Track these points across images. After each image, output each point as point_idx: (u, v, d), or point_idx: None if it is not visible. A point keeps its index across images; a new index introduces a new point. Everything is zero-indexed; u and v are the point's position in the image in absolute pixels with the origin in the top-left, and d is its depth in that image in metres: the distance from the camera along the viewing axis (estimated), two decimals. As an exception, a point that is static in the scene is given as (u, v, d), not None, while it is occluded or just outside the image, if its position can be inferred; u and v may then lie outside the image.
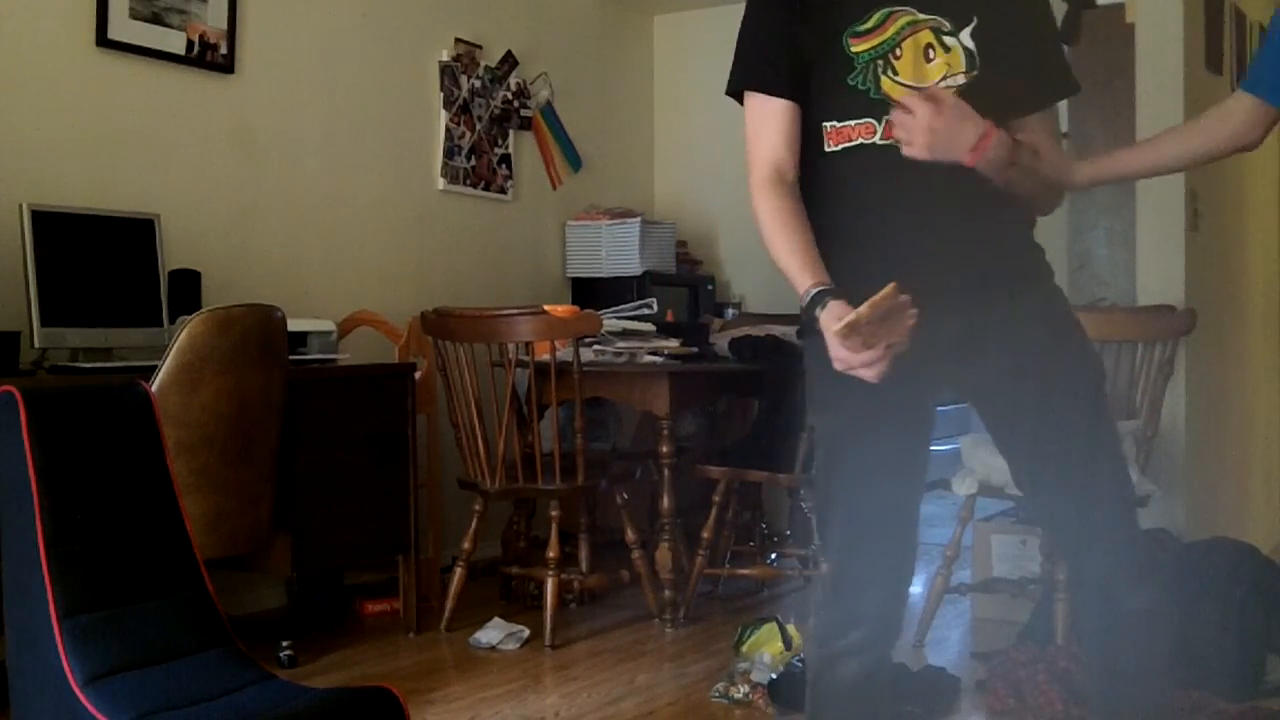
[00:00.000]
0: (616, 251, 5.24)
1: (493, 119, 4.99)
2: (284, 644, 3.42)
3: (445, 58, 4.78)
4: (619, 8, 5.69)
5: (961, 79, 1.82)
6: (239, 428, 3.13)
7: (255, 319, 3.15)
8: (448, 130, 4.78)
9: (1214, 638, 3.11)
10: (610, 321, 4.16)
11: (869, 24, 1.83)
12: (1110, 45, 4.30)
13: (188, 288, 3.58)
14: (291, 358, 3.39)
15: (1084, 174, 2.11)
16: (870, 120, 1.82)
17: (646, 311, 4.44)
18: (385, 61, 4.56)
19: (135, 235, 3.46)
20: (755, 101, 1.88)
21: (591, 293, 5.20)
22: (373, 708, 2.17)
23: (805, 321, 1.78)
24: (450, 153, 4.80)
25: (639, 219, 5.24)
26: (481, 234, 4.98)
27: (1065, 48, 4.72)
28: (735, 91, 1.91)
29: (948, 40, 1.83)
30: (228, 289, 3.77)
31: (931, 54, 1.83)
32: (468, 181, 4.89)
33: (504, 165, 5.06)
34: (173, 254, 3.59)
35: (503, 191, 5.06)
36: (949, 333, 1.82)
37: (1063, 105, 4.59)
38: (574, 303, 5.12)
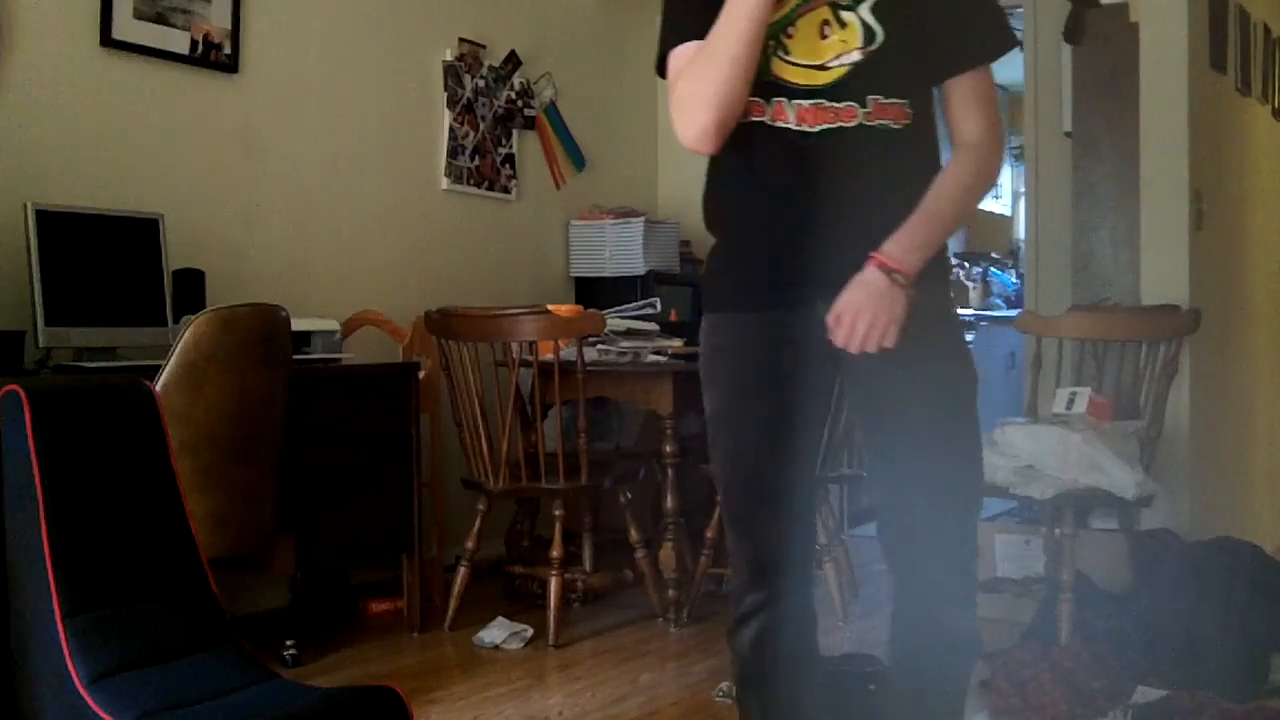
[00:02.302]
0: (620, 251, 5.24)
1: (496, 118, 4.99)
2: (288, 643, 3.43)
3: (449, 57, 4.78)
4: (623, 7, 5.68)
5: (856, 55, 1.78)
6: (243, 427, 3.13)
7: (259, 318, 3.16)
8: (451, 130, 4.78)
9: (1218, 637, 3.11)
10: (614, 321, 4.16)
11: None
12: (1114, 44, 4.29)
13: (192, 287, 3.58)
14: (295, 357, 3.40)
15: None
16: (759, 100, 1.80)
17: (650, 311, 4.44)
18: (389, 61, 4.56)
19: (139, 235, 3.46)
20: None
21: (595, 292, 5.19)
22: (376, 707, 2.17)
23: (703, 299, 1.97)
24: (454, 152, 4.80)
25: (643, 218, 5.24)
26: (485, 234, 4.98)
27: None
28: (662, 67, 1.90)
29: (845, 15, 1.78)
30: (232, 288, 3.78)
31: (828, 30, 1.79)
32: (471, 181, 4.89)
33: (508, 165, 5.06)
34: (177, 253, 3.60)
35: (506, 191, 5.06)
36: (821, 312, 1.81)
37: (1066, 105, 4.60)
38: (577, 302, 5.12)
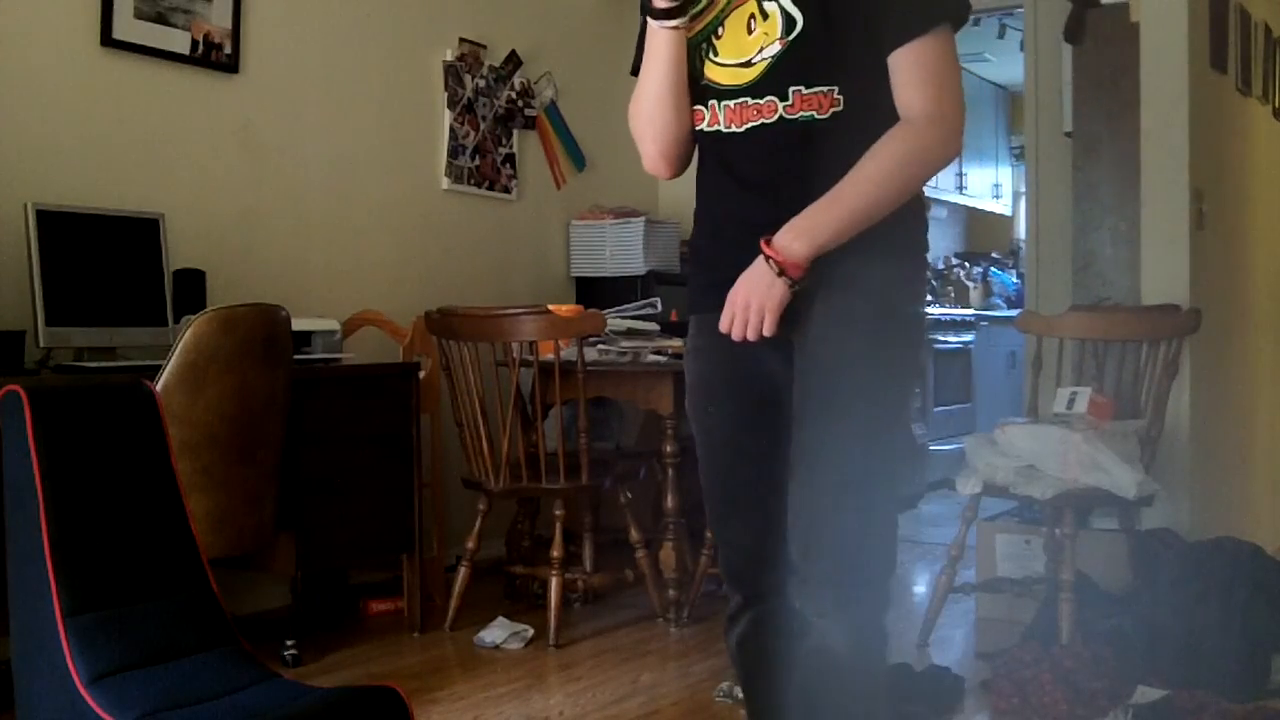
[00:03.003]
0: (621, 251, 5.24)
1: (497, 118, 4.99)
2: (288, 643, 3.43)
3: (449, 57, 4.78)
4: (623, 7, 5.68)
5: (777, 47, 1.73)
6: (243, 427, 3.13)
7: (260, 318, 3.16)
8: (452, 130, 4.78)
9: (1218, 637, 3.11)
10: (614, 321, 4.16)
11: (700, 5, 1.79)
12: (1114, 44, 4.29)
13: (192, 287, 3.58)
14: (296, 357, 3.40)
15: None
16: (700, 108, 1.82)
17: (650, 311, 4.44)
18: (389, 61, 4.56)
19: (140, 235, 3.46)
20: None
21: (595, 292, 5.20)
22: (377, 707, 2.17)
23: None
24: (454, 152, 4.80)
25: (643, 218, 5.24)
26: (485, 234, 4.98)
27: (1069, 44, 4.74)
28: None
29: (767, 7, 1.73)
30: (232, 288, 3.78)
31: (753, 25, 1.75)
32: (472, 181, 4.89)
33: (508, 165, 5.06)
34: (177, 253, 3.60)
35: (507, 191, 5.06)
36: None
37: (1066, 105, 4.60)
38: (578, 302, 5.12)
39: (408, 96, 4.64)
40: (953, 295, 8.14)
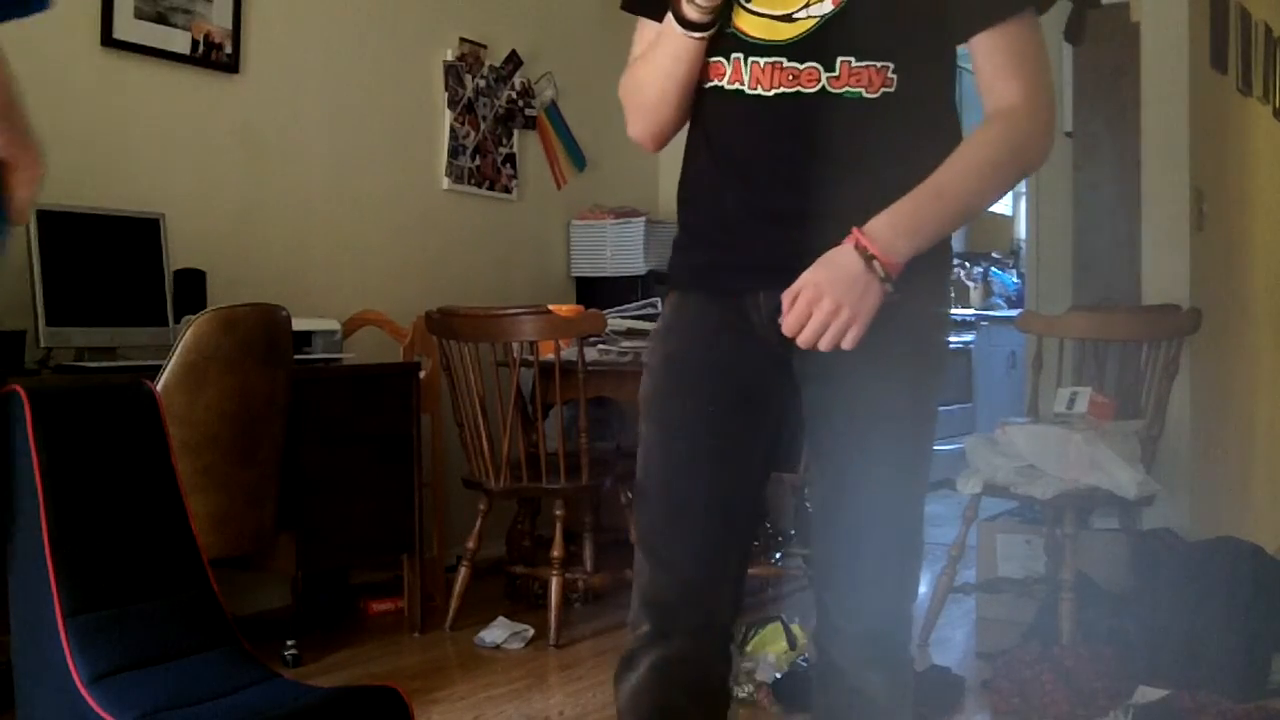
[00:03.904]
0: (621, 251, 5.24)
1: (497, 118, 4.99)
2: (288, 643, 3.43)
3: (450, 57, 4.78)
4: (623, 7, 5.68)
5: (828, 6, 1.48)
6: (243, 427, 3.13)
7: (260, 318, 3.16)
8: (452, 130, 4.78)
9: (1219, 637, 3.11)
10: (615, 321, 4.16)
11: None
12: (1115, 44, 4.29)
13: (193, 287, 3.58)
14: (296, 357, 3.39)
15: None
16: (719, 59, 1.55)
17: (651, 311, 4.44)
18: (390, 61, 4.56)
19: (140, 234, 3.46)
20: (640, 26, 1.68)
21: (596, 292, 5.19)
22: (377, 707, 2.17)
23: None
24: (455, 152, 4.80)
25: (644, 218, 5.24)
26: (486, 233, 4.98)
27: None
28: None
29: None
30: (232, 288, 3.78)
31: None
32: (472, 181, 4.89)
33: (508, 164, 5.06)
34: (178, 253, 3.60)
35: (507, 191, 5.06)
36: (765, 310, 1.57)
37: (1066, 105, 4.60)
38: (578, 302, 5.12)
39: (408, 96, 4.64)
40: (953, 295, 8.14)
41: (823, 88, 1.49)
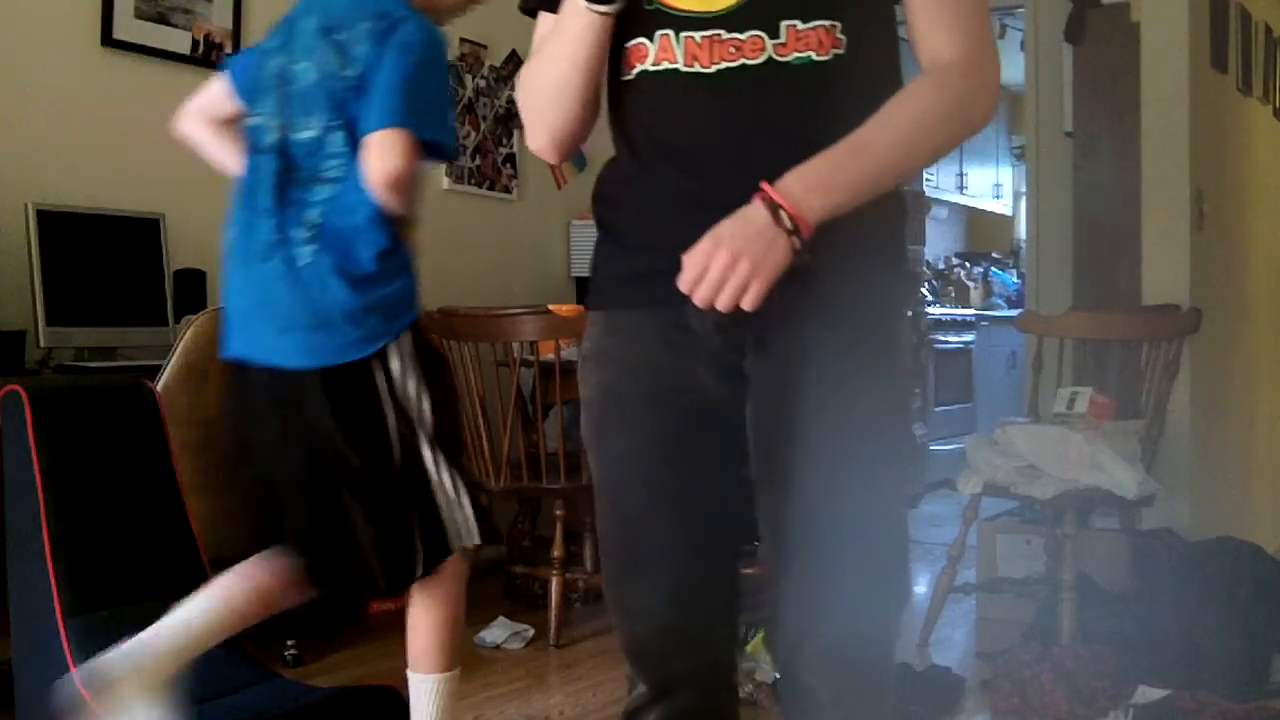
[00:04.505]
0: (621, 251, 5.24)
1: (497, 118, 4.99)
2: (288, 643, 3.43)
3: (449, 57, 4.78)
4: (623, 7, 5.68)
5: None
6: (244, 427, 3.13)
7: (260, 318, 3.15)
8: (452, 129, 4.78)
9: (1219, 637, 3.11)
10: (615, 321, 4.15)
11: None
12: (1115, 44, 4.29)
13: (193, 287, 3.58)
14: (296, 357, 3.39)
15: None
16: (641, 41, 1.40)
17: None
18: (390, 61, 4.56)
19: (140, 234, 3.46)
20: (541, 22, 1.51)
21: (596, 292, 5.19)
22: (377, 707, 2.17)
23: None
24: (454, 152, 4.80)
25: (643, 218, 5.24)
26: (486, 233, 4.98)
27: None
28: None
29: None
30: (233, 288, 3.77)
31: None
32: (472, 181, 4.89)
33: (509, 165, 5.06)
34: (178, 253, 3.59)
35: (507, 191, 5.06)
36: (709, 310, 1.36)
37: (1066, 105, 4.60)
38: (578, 302, 5.12)
39: (408, 96, 4.64)
40: (953, 295, 8.15)
41: (769, 57, 1.35)
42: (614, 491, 1.48)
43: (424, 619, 2.27)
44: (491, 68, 4.96)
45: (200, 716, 2.07)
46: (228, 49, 3.92)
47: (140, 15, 3.66)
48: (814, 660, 1.42)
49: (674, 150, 1.41)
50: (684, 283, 1.30)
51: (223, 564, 2.84)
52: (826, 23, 1.35)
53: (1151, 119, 3.91)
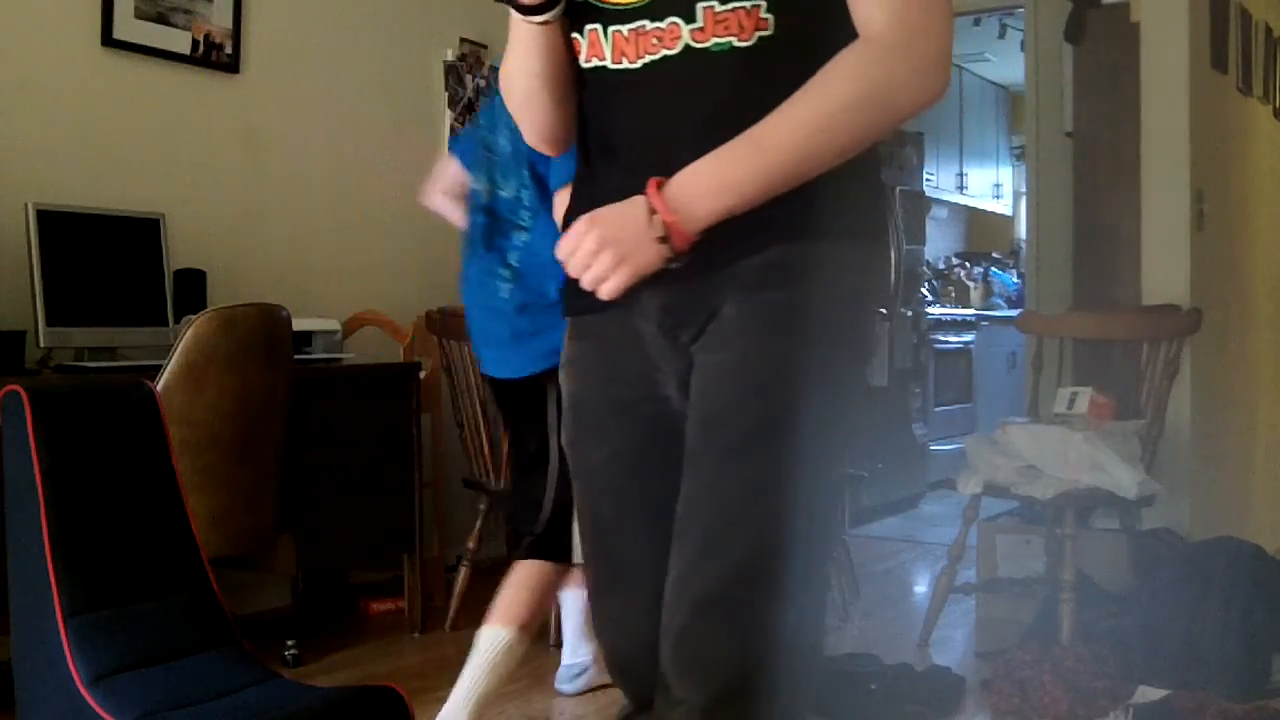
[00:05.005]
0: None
1: (497, 118, 4.99)
2: (289, 643, 3.43)
3: (450, 57, 4.78)
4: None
5: None
6: (244, 427, 3.13)
7: (260, 318, 3.16)
8: (452, 129, 4.78)
9: (1219, 637, 3.11)
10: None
11: None
12: (1115, 44, 4.29)
13: (193, 287, 3.58)
14: (296, 357, 3.40)
15: None
16: (576, 36, 1.34)
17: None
18: (390, 61, 4.56)
19: (140, 234, 3.46)
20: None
21: (596, 292, 5.19)
22: (377, 707, 2.17)
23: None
24: (455, 152, 4.80)
25: (643, 218, 5.24)
26: (486, 233, 4.97)
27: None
28: None
29: None
30: (233, 288, 3.78)
31: None
32: (472, 181, 4.89)
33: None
34: (178, 253, 3.60)
35: (507, 191, 5.06)
36: (651, 314, 1.33)
37: (1067, 105, 4.60)
38: (578, 302, 5.12)
39: (408, 96, 4.64)
40: (953, 295, 8.15)
41: (686, 45, 1.25)
42: (589, 504, 1.45)
43: (522, 576, 2.62)
44: (491, 68, 4.96)
45: (200, 716, 2.07)
46: (228, 49, 3.92)
47: (140, 15, 3.66)
48: (670, 653, 1.29)
49: (611, 149, 1.36)
50: (559, 251, 1.29)
51: (222, 564, 2.84)
52: (747, 3, 1.23)
53: (1151, 119, 3.91)
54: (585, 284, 1.26)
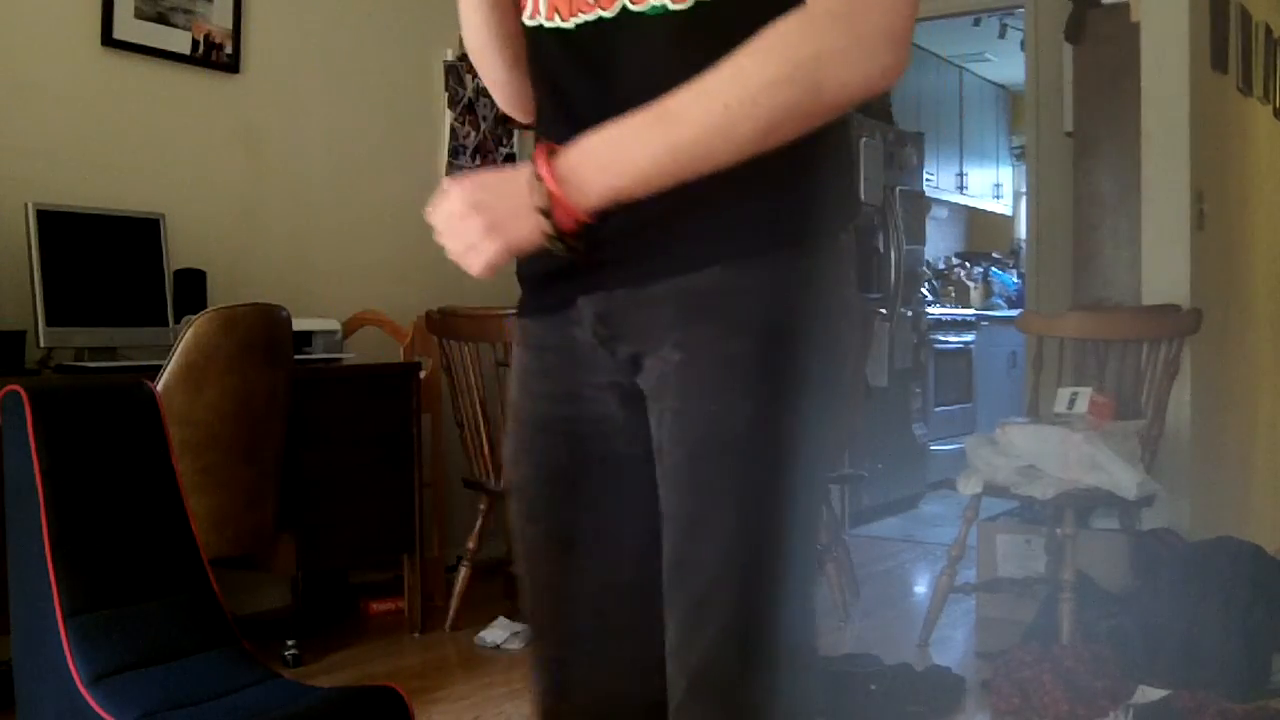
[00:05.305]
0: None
1: (497, 119, 4.99)
2: (289, 643, 3.43)
3: (450, 57, 4.78)
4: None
5: None
6: (244, 427, 3.13)
7: (260, 318, 3.16)
8: (452, 130, 4.78)
9: (1219, 637, 3.11)
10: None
11: None
12: (1115, 44, 4.29)
13: (193, 287, 3.58)
14: (296, 357, 3.40)
15: None
16: None
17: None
18: (390, 61, 4.56)
19: (140, 234, 3.46)
20: None
21: (596, 292, 5.19)
22: (377, 707, 2.17)
23: None
24: (455, 152, 4.80)
25: (643, 218, 5.24)
26: (486, 233, 4.97)
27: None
28: None
29: None
30: (233, 288, 3.78)
31: None
32: (472, 181, 4.89)
33: (509, 165, 5.06)
34: (178, 253, 3.60)
35: (507, 191, 5.06)
36: (586, 322, 1.21)
37: (1067, 105, 4.60)
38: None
39: (408, 96, 4.64)
40: (953, 295, 8.15)
41: (623, 6, 1.13)
42: (518, 530, 1.29)
43: None
44: (491, 68, 4.96)
45: (200, 716, 2.07)
46: (228, 49, 3.92)
47: (140, 15, 3.66)
48: None
49: (549, 116, 1.23)
50: (430, 216, 1.16)
51: (222, 564, 2.84)
52: None
53: (1151, 119, 3.91)
54: (452, 254, 1.13)
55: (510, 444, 1.30)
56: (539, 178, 1.07)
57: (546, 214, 1.07)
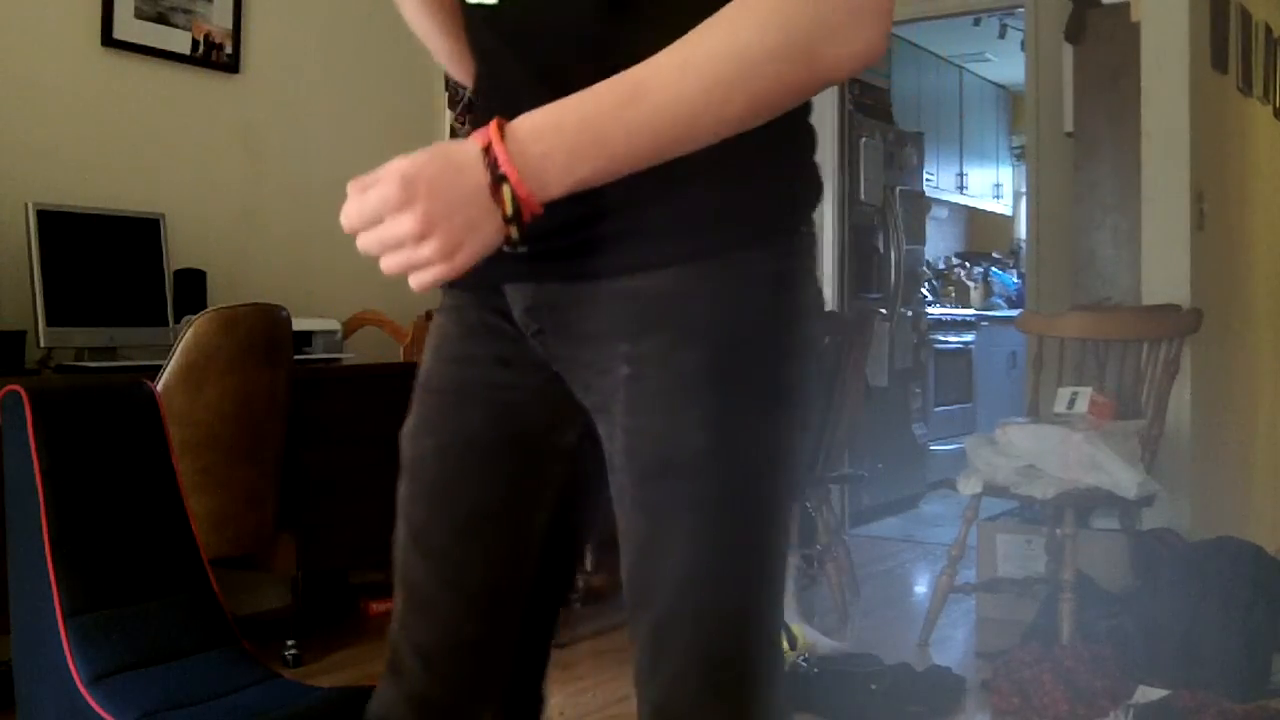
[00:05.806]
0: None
1: (497, 118, 5.00)
2: (289, 643, 3.43)
3: (450, 57, 4.78)
4: (623, 7, 5.67)
5: None
6: (244, 427, 3.13)
7: (260, 318, 3.16)
8: (452, 130, 4.78)
9: (1219, 637, 3.11)
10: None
11: None
12: (1115, 44, 4.29)
13: (193, 287, 3.58)
14: (296, 357, 3.40)
15: None
16: None
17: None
18: (390, 61, 4.56)
19: (140, 234, 3.46)
20: None
21: (596, 292, 5.18)
22: (377, 707, 2.17)
23: None
24: (455, 152, 4.80)
25: (643, 218, 5.23)
26: (486, 233, 4.97)
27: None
28: None
29: None
30: (233, 288, 3.78)
31: None
32: (472, 181, 4.89)
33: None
34: (178, 253, 3.60)
35: (507, 191, 5.06)
36: (515, 310, 1.13)
37: (1067, 105, 4.60)
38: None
39: (408, 96, 4.64)
40: (953, 295, 8.15)
41: None
42: (401, 514, 1.24)
43: None
44: (491, 68, 4.96)
45: (200, 716, 2.07)
46: (228, 49, 3.92)
47: (140, 15, 3.66)
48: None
49: (481, 94, 1.14)
50: (345, 218, 1.03)
51: (222, 564, 2.84)
52: None
53: (1151, 119, 3.91)
54: (386, 268, 0.98)
55: (414, 414, 1.23)
56: (502, 177, 0.91)
57: (513, 221, 0.92)
